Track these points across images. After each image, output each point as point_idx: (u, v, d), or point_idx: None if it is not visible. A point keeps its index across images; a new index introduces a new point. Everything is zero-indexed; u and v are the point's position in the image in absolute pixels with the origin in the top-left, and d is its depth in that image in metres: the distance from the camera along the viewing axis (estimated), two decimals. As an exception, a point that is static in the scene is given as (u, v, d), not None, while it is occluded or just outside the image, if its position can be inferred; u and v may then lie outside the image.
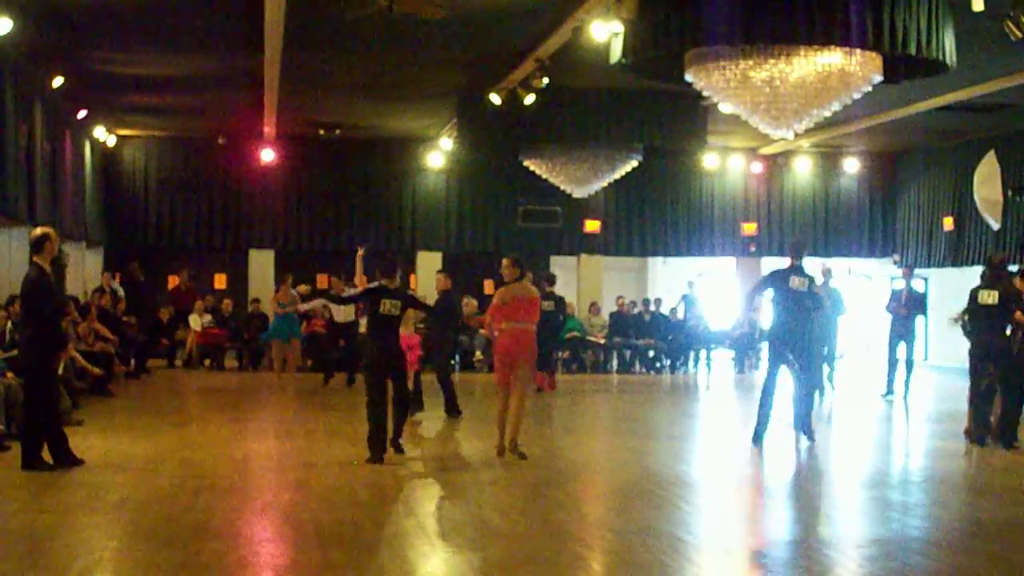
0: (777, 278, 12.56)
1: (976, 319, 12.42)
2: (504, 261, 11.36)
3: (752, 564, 7.49)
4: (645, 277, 27.70)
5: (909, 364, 17.63)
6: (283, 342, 19.13)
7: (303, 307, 19.56)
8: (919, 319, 17.95)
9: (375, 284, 11.20)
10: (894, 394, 17.55)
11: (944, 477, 10.94)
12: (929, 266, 23.95)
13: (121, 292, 21.17)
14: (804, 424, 12.39)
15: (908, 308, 17.68)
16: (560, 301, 18.50)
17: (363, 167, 23.94)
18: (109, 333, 17.52)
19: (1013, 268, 21.68)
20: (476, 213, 24.51)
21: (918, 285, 19.41)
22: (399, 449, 11.23)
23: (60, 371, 11.50)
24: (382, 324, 11.03)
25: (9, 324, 13.43)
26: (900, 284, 18.49)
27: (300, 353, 20.18)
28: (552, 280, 18.31)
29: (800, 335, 12.33)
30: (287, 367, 19.16)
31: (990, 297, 12.21)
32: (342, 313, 19.25)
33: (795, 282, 12.40)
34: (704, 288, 26.16)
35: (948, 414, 15.07)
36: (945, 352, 22.96)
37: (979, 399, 12.38)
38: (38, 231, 10.48)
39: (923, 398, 17.98)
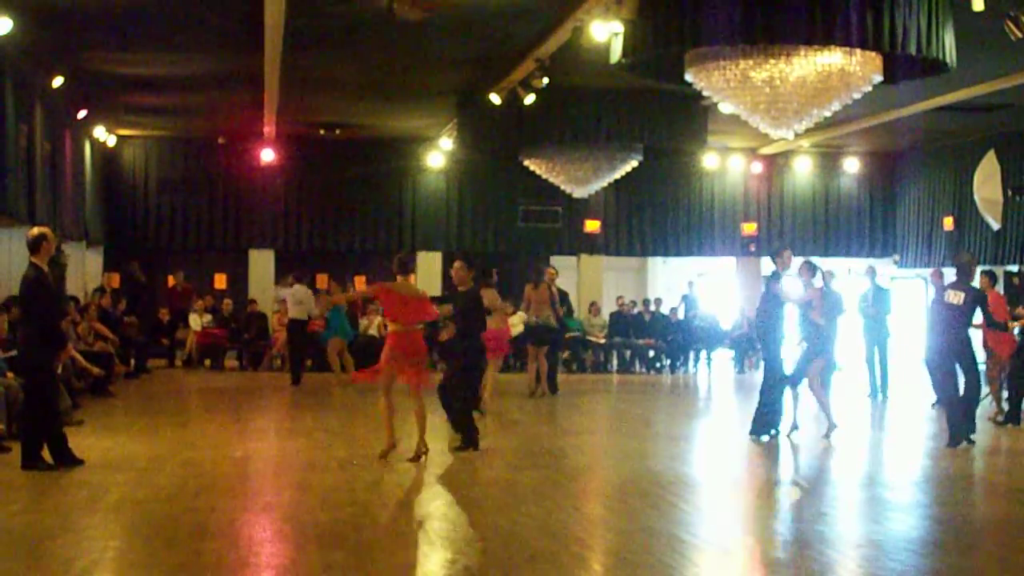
0: (769, 286, 12.87)
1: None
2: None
3: (752, 564, 7.49)
4: (645, 277, 27.71)
5: (884, 364, 17.71)
6: (342, 339, 18.82)
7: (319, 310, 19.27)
8: (889, 318, 18.01)
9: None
10: (878, 394, 17.64)
11: (943, 477, 10.94)
12: (929, 266, 23.93)
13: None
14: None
15: (876, 308, 17.77)
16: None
17: (363, 167, 23.92)
18: (109, 333, 17.52)
19: (1013, 268, 21.77)
20: (476, 213, 24.51)
21: (884, 284, 19.47)
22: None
23: (59, 371, 11.50)
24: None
25: (6, 323, 13.43)
26: (866, 284, 18.47)
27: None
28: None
29: (775, 336, 12.66)
30: (346, 366, 18.47)
31: (955, 297, 12.31)
32: (295, 310, 19.09)
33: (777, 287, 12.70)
34: (704, 288, 26.16)
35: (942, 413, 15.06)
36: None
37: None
38: (35, 231, 10.47)
39: (919, 397, 17.96)
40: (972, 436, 12.31)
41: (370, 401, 14.75)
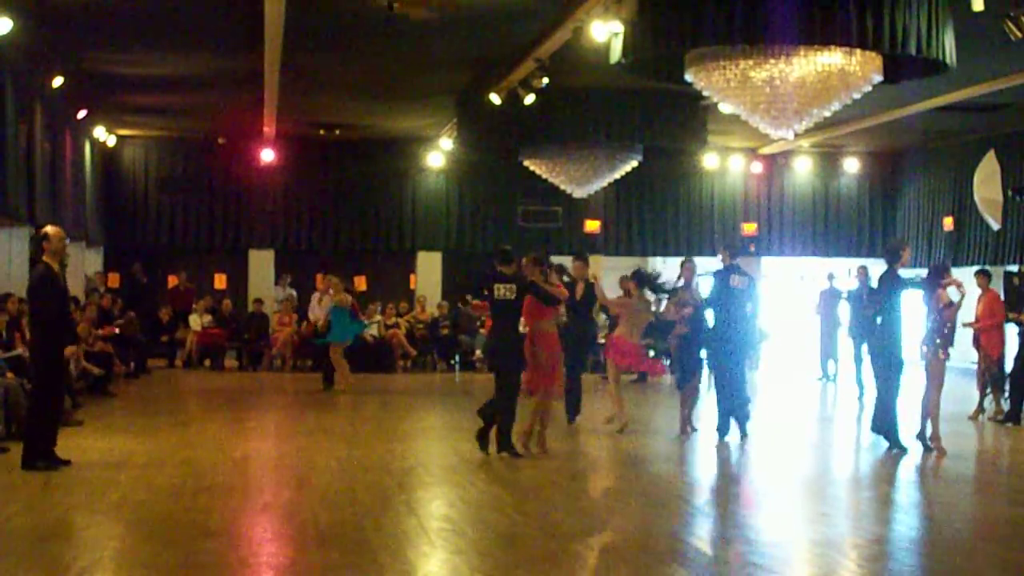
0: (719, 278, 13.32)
1: None
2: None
3: (752, 564, 7.48)
4: (645, 277, 27.66)
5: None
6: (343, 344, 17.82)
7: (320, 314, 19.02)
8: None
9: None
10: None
11: (943, 477, 10.94)
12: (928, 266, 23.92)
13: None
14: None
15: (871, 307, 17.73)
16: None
17: (363, 167, 23.93)
18: (107, 334, 17.49)
19: (1013, 268, 21.78)
20: (476, 213, 24.52)
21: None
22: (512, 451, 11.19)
23: (71, 365, 11.42)
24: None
25: (6, 321, 13.42)
26: (854, 284, 18.32)
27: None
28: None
29: (736, 332, 13.05)
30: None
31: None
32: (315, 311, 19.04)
33: (735, 280, 13.18)
34: (705, 288, 26.08)
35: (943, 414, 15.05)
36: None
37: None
38: (48, 229, 10.43)
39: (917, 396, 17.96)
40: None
41: (369, 402, 14.79)
